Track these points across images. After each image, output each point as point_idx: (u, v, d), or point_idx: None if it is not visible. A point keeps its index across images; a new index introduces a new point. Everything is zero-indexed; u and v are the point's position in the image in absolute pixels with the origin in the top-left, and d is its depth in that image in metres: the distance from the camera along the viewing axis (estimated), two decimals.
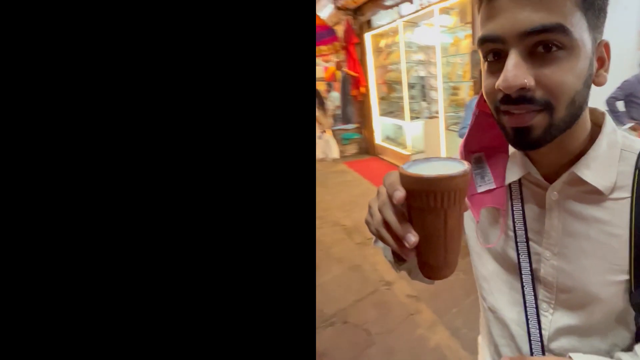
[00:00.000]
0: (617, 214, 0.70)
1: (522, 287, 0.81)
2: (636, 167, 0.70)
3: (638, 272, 0.69)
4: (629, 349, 0.75)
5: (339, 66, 8.56)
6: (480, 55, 0.66)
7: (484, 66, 0.67)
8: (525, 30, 0.58)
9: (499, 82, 0.60)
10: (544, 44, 0.58)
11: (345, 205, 5.58)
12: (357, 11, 7.08)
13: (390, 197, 0.58)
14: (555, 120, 0.62)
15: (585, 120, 0.69)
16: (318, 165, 6.46)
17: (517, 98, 0.60)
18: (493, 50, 0.63)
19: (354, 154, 8.60)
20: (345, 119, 9.35)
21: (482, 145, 0.82)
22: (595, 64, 0.64)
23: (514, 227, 0.81)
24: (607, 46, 0.65)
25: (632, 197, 0.69)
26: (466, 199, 0.77)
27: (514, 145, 0.68)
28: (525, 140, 0.64)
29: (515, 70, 0.58)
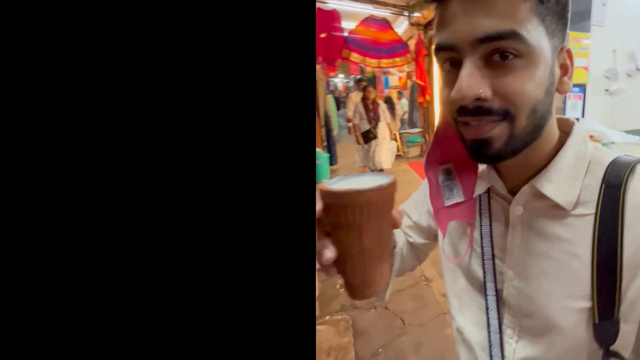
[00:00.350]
0: (579, 232, 0.62)
1: (487, 308, 0.74)
2: (602, 181, 0.62)
3: (601, 299, 0.61)
4: None
5: (409, 76, 8.89)
6: (437, 64, 0.62)
7: (441, 76, 0.62)
8: (477, 37, 0.53)
9: (453, 93, 0.55)
10: (500, 52, 0.53)
11: (401, 202, 5.20)
12: (427, 26, 7.26)
13: None
14: (517, 130, 0.57)
15: (552, 130, 0.64)
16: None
17: (474, 109, 0.56)
18: (449, 59, 0.58)
19: (416, 155, 8.93)
20: (411, 124, 9.65)
21: (452, 156, 0.75)
22: (558, 72, 0.59)
23: (482, 243, 0.74)
24: (569, 52, 0.60)
25: (595, 213, 0.62)
26: (431, 213, 0.84)
27: (474, 158, 0.62)
28: (485, 153, 0.59)
29: (469, 80, 0.54)
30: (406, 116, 9.99)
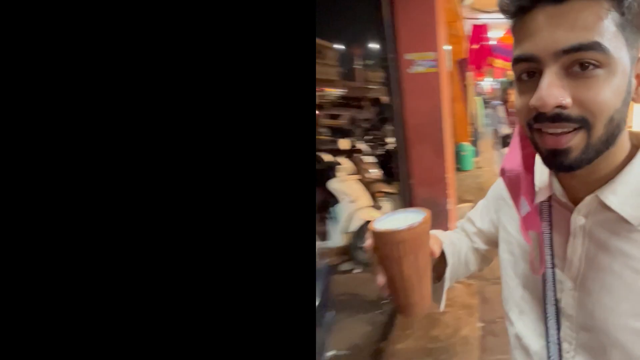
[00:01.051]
0: None
1: (546, 317, 0.73)
2: None
3: None
4: None
5: None
6: (514, 74, 0.63)
7: (516, 85, 0.64)
8: (561, 49, 0.55)
9: (534, 100, 0.57)
10: (580, 63, 0.55)
11: None
12: None
13: None
14: (594, 139, 0.57)
15: (624, 141, 0.63)
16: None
17: (553, 116, 0.57)
18: (527, 70, 0.60)
19: None
20: None
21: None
22: (634, 82, 0.59)
23: (544, 249, 0.73)
24: None
25: None
26: (493, 222, 0.90)
27: (549, 167, 0.64)
28: (562, 163, 0.59)
29: (550, 89, 0.55)
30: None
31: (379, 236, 0.62)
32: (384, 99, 5.05)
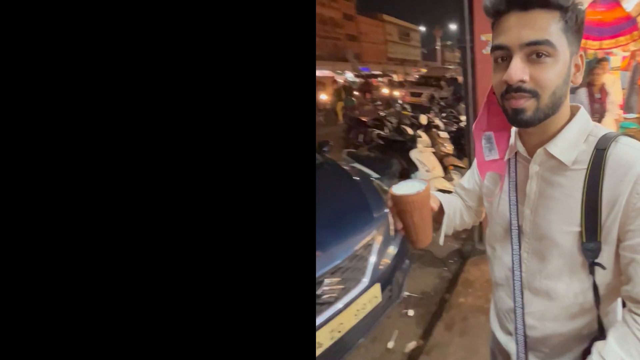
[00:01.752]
0: (575, 181, 0.87)
1: (511, 238, 1.01)
2: (594, 147, 0.87)
3: (587, 226, 0.86)
4: (585, 296, 0.91)
5: (632, 55, 7.68)
6: (492, 58, 0.87)
7: (493, 66, 0.87)
8: (524, 42, 0.79)
9: (506, 76, 0.80)
10: (537, 53, 0.79)
11: None
12: None
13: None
14: (541, 105, 0.82)
15: (565, 110, 0.89)
16: None
17: (516, 88, 0.80)
18: (501, 56, 0.84)
19: None
20: (628, 108, 8.40)
21: (492, 126, 1.01)
22: (573, 69, 0.85)
23: (509, 193, 1.01)
24: (581, 57, 0.86)
25: (587, 168, 0.86)
26: (475, 164, 1.14)
27: (512, 123, 0.88)
28: (521, 119, 0.83)
29: (516, 70, 0.79)
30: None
31: (397, 198, 0.93)
32: (460, 78, 5.15)
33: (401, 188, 0.95)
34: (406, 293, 3.16)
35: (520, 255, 1.02)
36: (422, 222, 0.96)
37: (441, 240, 1.20)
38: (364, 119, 8.04)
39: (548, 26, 0.79)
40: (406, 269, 2.85)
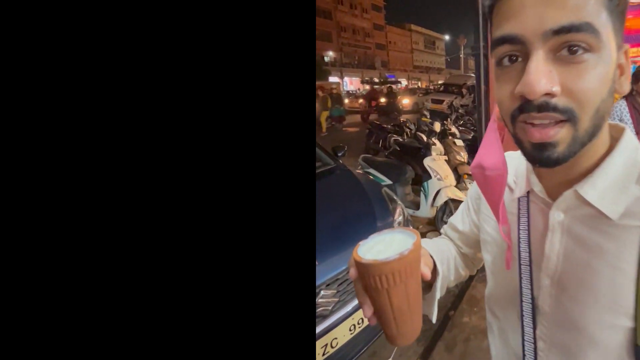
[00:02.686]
0: (625, 244, 0.54)
1: (522, 315, 0.66)
2: None
3: None
4: None
5: None
6: (492, 60, 0.55)
7: (495, 72, 0.55)
8: (551, 28, 0.47)
9: (520, 87, 0.49)
10: (570, 46, 0.47)
11: None
12: None
13: None
14: (580, 132, 0.50)
15: (604, 133, 0.56)
16: None
17: (540, 105, 0.48)
18: (509, 53, 0.51)
19: None
20: None
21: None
22: (618, 71, 0.52)
23: (519, 247, 0.65)
24: (626, 52, 0.53)
25: None
26: (475, 222, 0.82)
27: (533, 163, 0.55)
28: (549, 157, 0.51)
29: (539, 74, 0.47)
30: None
31: (365, 268, 0.52)
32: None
33: (372, 248, 0.55)
34: None
35: (535, 343, 0.65)
36: (407, 303, 0.54)
37: (434, 317, 0.75)
38: (384, 125, 7.91)
39: (588, 2, 0.46)
40: None
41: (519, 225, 0.66)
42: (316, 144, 3.55)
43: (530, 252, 0.64)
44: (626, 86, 0.53)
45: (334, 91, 16.66)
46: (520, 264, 0.65)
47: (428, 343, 2.73)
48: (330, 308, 2.06)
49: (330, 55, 45.93)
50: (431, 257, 0.73)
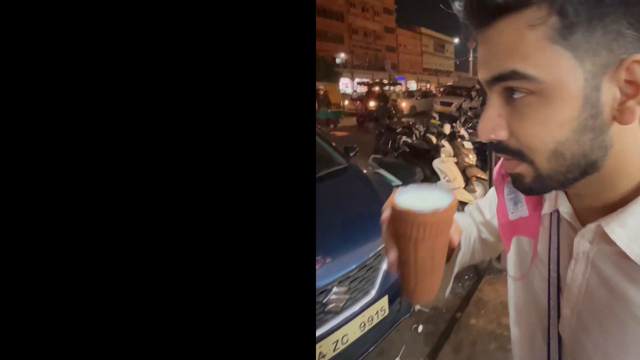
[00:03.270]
0: None
1: (549, 338, 0.59)
2: None
3: None
4: None
5: None
6: None
7: None
8: (487, 79, 0.46)
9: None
10: (510, 90, 0.44)
11: None
12: None
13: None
14: (543, 171, 0.46)
15: (627, 165, 0.46)
16: None
17: (494, 146, 0.49)
18: None
19: None
20: None
21: None
22: (606, 98, 0.42)
23: (549, 266, 0.58)
24: (630, 70, 0.41)
25: None
26: (493, 190, 0.73)
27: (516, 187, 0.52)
28: (519, 186, 0.50)
29: (485, 122, 0.47)
30: None
31: (399, 214, 0.51)
32: None
33: (410, 198, 0.52)
34: (417, 307, 2.93)
35: None
36: (431, 260, 0.53)
37: (447, 291, 0.72)
38: (394, 126, 7.87)
39: (517, 44, 0.42)
40: None
41: (549, 243, 0.58)
42: (329, 143, 3.54)
43: (558, 273, 0.57)
44: (632, 114, 0.42)
45: (322, 92, 15.68)
46: (549, 284, 0.58)
47: (434, 344, 2.71)
48: (341, 305, 2.05)
49: (341, 57, 45.83)
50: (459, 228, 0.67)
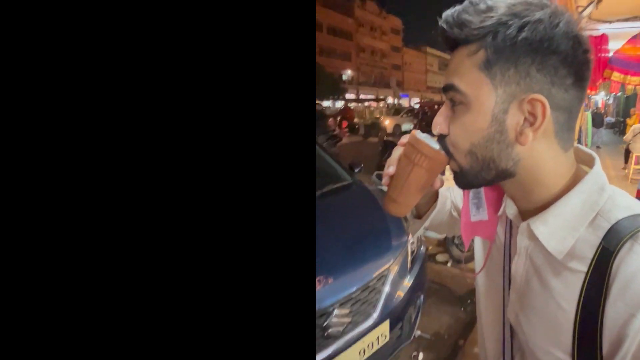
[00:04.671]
0: (569, 286, 0.55)
1: (503, 326, 0.70)
2: (601, 242, 0.53)
3: (581, 358, 0.54)
4: None
5: None
6: None
7: None
8: (442, 87, 0.59)
9: None
10: (453, 101, 0.57)
11: None
12: None
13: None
14: (463, 166, 0.59)
15: (545, 174, 0.57)
16: None
17: (440, 140, 0.61)
18: None
19: None
20: None
21: None
22: (511, 122, 0.54)
23: (503, 261, 0.70)
24: (542, 104, 0.52)
25: (587, 272, 0.53)
26: (454, 209, 0.89)
27: None
28: (455, 181, 0.63)
29: (437, 118, 0.60)
30: None
31: (416, 141, 0.63)
32: None
33: (426, 138, 0.64)
34: (418, 332, 2.78)
35: (512, 352, 0.69)
36: (415, 184, 0.65)
37: (417, 234, 0.92)
38: (397, 142, 7.78)
39: (458, 66, 0.57)
40: (419, 306, 2.49)
41: (505, 240, 0.70)
42: (333, 158, 3.43)
43: (510, 266, 0.67)
44: (525, 137, 0.54)
45: None
46: (503, 277, 0.70)
47: None
48: (342, 329, 1.92)
49: (348, 73, 45.98)
50: (437, 193, 0.82)
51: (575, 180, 0.58)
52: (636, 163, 7.77)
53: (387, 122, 20.33)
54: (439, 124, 0.59)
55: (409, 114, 22.19)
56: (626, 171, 7.80)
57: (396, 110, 24.39)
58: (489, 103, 0.54)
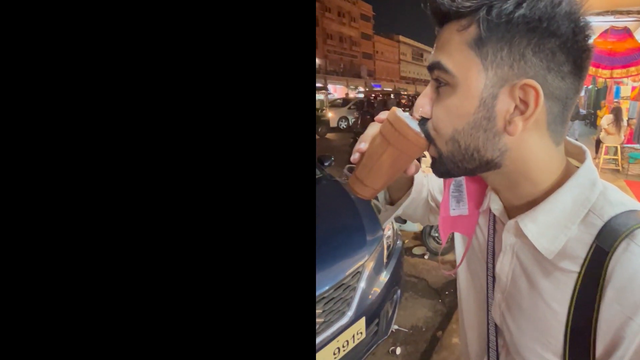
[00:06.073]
0: (560, 287, 0.54)
1: (487, 323, 0.68)
2: (594, 240, 0.51)
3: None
4: None
5: None
6: None
7: None
8: (427, 66, 0.56)
9: None
10: (438, 81, 0.54)
11: None
12: None
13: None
14: (443, 153, 0.56)
15: (542, 163, 0.55)
16: None
17: (421, 123, 0.57)
18: None
19: (637, 174, 7.45)
20: (637, 138, 8.14)
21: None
22: (500, 108, 0.51)
23: (487, 259, 0.67)
24: (535, 91, 0.49)
25: (579, 273, 0.52)
26: (430, 198, 0.87)
27: None
28: (433, 169, 0.60)
29: (420, 99, 0.56)
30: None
31: (395, 119, 0.59)
32: None
33: (407, 117, 0.59)
34: (395, 326, 2.81)
35: (497, 350, 0.67)
36: (387, 166, 0.61)
37: (386, 223, 0.86)
38: None
39: (446, 43, 0.53)
40: (396, 301, 2.51)
41: (488, 236, 0.68)
42: None
43: (494, 264, 0.65)
44: (515, 127, 0.51)
45: None
46: (487, 274, 0.67)
47: None
48: (315, 329, 1.93)
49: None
50: (412, 181, 0.80)
51: (565, 176, 0.56)
52: (606, 153, 8.04)
53: (330, 115, 18.43)
54: (422, 105, 0.56)
55: (360, 106, 19.70)
56: (596, 161, 8.05)
57: (344, 101, 21.48)
58: (477, 85, 0.51)
